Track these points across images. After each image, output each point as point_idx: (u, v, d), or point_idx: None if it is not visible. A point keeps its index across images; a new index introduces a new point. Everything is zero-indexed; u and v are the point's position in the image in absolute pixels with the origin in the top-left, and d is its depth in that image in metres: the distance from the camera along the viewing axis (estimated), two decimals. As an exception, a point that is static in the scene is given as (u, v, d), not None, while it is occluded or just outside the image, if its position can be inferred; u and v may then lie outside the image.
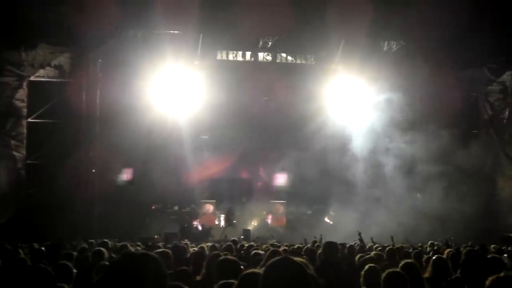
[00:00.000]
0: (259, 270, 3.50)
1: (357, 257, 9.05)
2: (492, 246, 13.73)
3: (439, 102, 24.70)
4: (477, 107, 25.68)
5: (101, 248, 9.05)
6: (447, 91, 24.92)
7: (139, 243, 16.21)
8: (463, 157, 24.40)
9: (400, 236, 17.74)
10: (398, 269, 5.96)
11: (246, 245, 13.32)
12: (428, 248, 13.61)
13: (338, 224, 24.86)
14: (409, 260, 6.88)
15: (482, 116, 25.71)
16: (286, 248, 11.78)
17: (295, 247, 12.28)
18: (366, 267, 6.41)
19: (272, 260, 3.22)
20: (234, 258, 6.05)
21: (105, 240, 12.84)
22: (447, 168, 24.30)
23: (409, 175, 24.61)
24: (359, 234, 12.97)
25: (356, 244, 12.78)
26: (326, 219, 26.64)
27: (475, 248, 12.00)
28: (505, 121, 25.46)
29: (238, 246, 12.77)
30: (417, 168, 24.63)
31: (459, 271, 5.71)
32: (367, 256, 8.88)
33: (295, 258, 3.29)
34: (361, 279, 6.18)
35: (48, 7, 20.53)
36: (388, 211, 23.87)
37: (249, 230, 24.34)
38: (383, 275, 5.62)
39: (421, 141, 24.63)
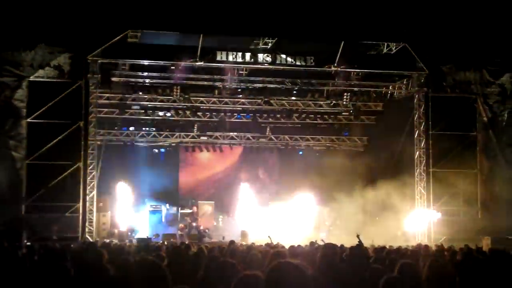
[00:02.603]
0: (259, 273, 3.47)
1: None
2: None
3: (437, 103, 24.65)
4: (476, 109, 25.55)
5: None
6: (446, 93, 24.97)
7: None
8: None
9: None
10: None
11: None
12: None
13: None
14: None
15: (481, 118, 25.59)
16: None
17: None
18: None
19: (274, 263, 3.20)
20: (232, 260, 5.99)
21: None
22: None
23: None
24: (358, 236, 12.88)
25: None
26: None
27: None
28: (504, 123, 25.40)
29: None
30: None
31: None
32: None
33: (296, 262, 3.27)
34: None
35: (47, 8, 20.52)
36: None
37: (246, 231, 24.30)
38: None
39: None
